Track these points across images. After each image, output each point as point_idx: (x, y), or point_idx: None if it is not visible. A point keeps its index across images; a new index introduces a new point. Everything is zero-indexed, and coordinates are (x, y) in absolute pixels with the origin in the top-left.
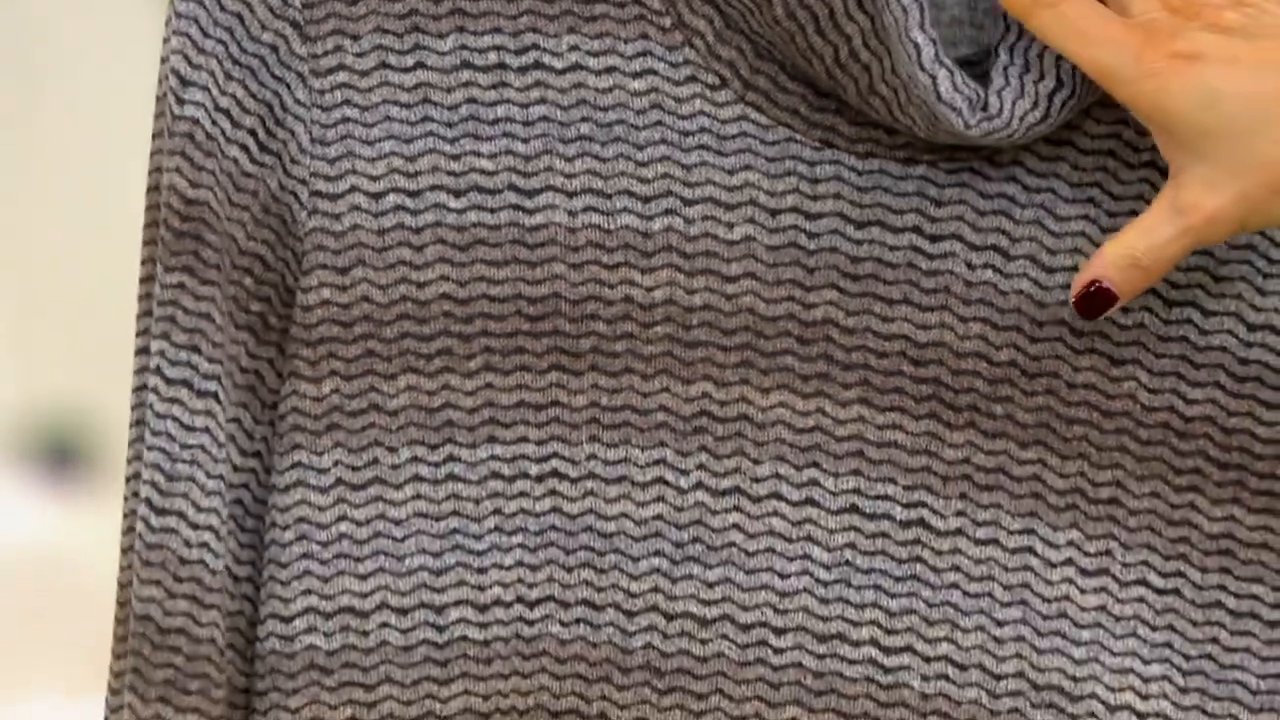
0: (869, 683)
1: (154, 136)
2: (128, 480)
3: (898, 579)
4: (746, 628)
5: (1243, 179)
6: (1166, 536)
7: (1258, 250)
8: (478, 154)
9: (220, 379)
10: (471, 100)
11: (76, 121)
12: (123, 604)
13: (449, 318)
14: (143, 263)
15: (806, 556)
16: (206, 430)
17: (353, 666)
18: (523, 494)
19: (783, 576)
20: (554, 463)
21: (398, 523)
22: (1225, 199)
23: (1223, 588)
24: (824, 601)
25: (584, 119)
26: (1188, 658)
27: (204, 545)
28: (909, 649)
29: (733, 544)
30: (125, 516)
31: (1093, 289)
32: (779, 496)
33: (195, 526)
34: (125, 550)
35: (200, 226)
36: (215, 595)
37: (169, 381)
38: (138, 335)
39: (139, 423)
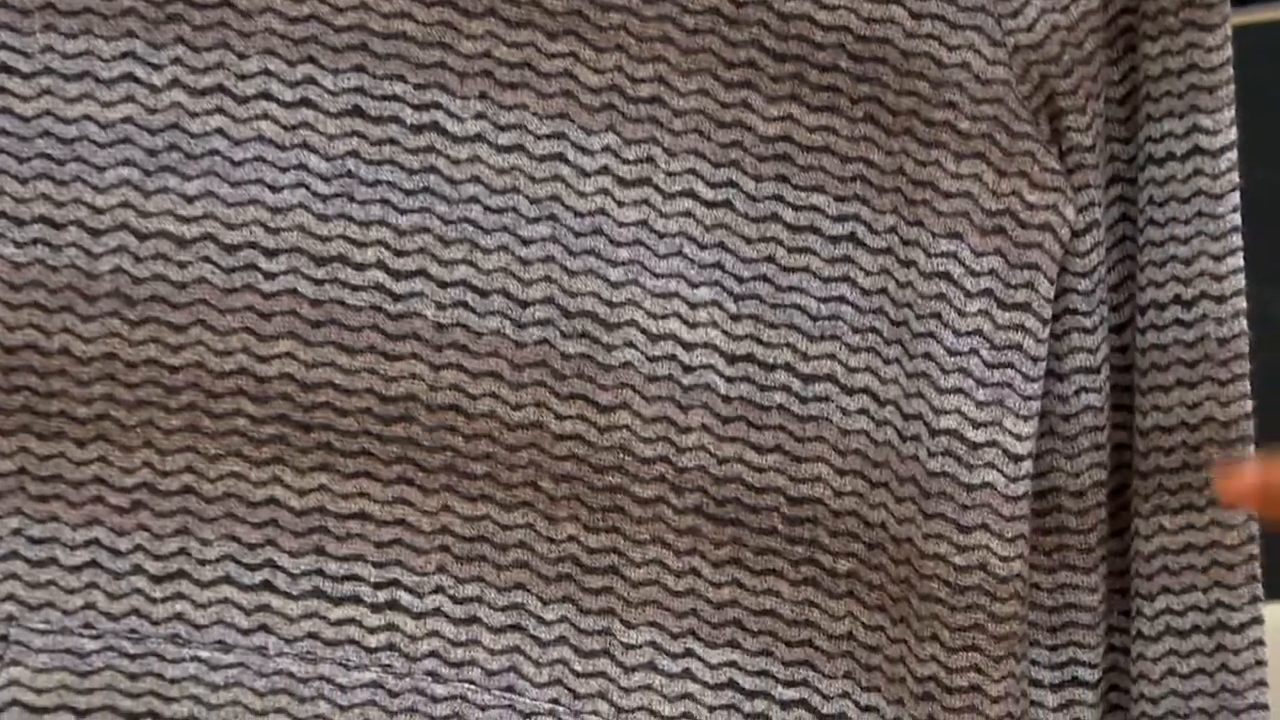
0: (375, 311)
1: None
2: None
3: (408, 192)
4: (232, 249)
5: None
6: (716, 141)
7: None
8: None
9: None
10: None
11: None
12: None
13: None
14: None
15: (302, 166)
16: None
17: None
18: None
19: (274, 190)
20: (2, 55)
21: None
22: None
23: (779, 198)
24: (322, 219)
25: None
26: (740, 279)
27: None
28: (422, 272)
29: (215, 151)
30: None
31: None
32: (269, 96)
33: None
34: None
35: None
36: None
37: None
38: None
39: None
